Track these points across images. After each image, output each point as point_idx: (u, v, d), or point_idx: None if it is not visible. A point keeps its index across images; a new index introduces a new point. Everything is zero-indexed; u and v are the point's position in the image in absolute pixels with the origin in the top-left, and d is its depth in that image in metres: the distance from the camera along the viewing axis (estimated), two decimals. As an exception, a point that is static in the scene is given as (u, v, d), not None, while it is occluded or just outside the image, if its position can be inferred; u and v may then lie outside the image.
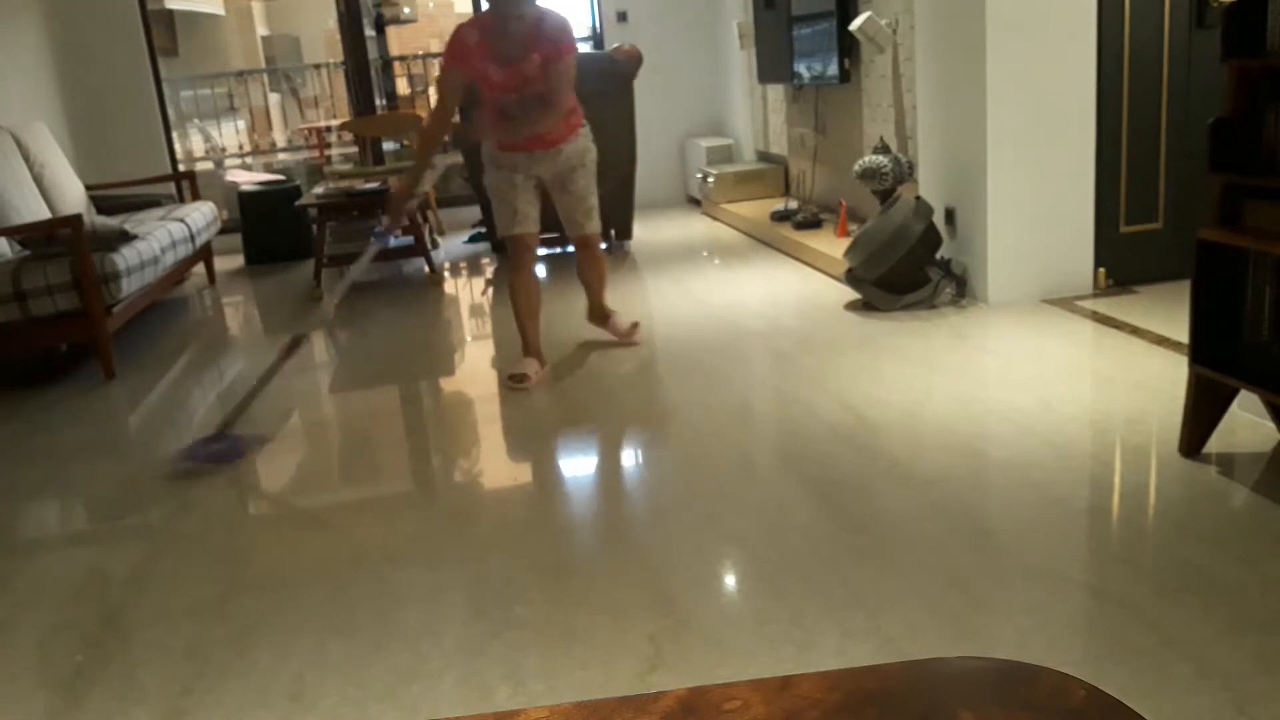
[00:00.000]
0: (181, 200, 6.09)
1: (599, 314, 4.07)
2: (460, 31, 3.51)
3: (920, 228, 4.08)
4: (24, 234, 4.31)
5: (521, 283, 3.76)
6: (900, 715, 0.82)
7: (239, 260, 6.60)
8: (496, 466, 3.17)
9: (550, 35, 3.41)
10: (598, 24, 7.27)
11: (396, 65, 9.62)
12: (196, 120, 10.31)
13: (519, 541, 2.55)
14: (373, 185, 5.64)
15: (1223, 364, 2.49)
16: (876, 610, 2.05)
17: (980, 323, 3.92)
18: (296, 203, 6.03)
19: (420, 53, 11.51)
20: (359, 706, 1.90)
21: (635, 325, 4.09)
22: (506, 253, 3.81)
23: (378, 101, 7.64)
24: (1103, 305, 3.95)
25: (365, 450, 3.34)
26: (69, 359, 4.54)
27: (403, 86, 10.36)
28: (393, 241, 5.96)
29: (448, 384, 4.09)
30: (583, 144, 3.69)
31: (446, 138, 4.06)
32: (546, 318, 3.92)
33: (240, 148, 10.88)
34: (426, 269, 5.72)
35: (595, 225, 3.81)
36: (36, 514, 3.09)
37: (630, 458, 3.15)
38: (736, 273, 5.30)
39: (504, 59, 3.43)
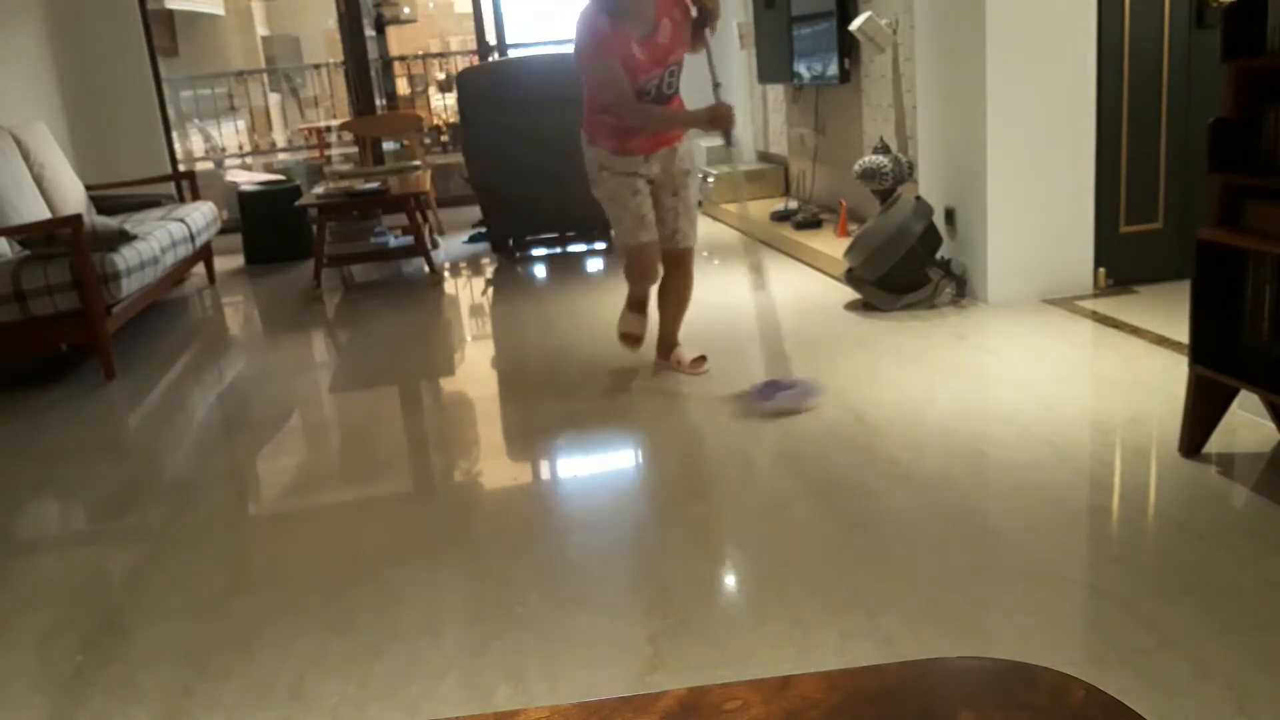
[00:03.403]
0: (181, 200, 6.09)
1: (668, 344, 3.70)
2: (590, 23, 3.15)
3: (920, 228, 4.08)
4: (24, 234, 4.31)
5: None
6: (900, 715, 0.82)
7: (239, 260, 6.60)
8: (496, 466, 3.17)
9: None
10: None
11: (396, 65, 9.63)
12: (196, 120, 10.31)
13: (519, 541, 2.55)
14: (373, 185, 5.64)
15: (1223, 364, 2.49)
16: (876, 610, 2.05)
17: (980, 323, 3.92)
18: (296, 203, 6.04)
19: (420, 53, 11.51)
20: (359, 706, 1.90)
21: (702, 358, 3.69)
22: (627, 265, 3.54)
23: (378, 101, 7.64)
24: (1103, 305, 3.95)
25: (365, 450, 3.34)
26: (69, 359, 4.54)
27: (403, 86, 10.37)
28: (393, 241, 6.00)
29: (448, 384, 4.09)
30: (690, 144, 3.47)
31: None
32: (550, 319, 3.91)
33: (240, 148, 10.89)
34: (426, 269, 5.72)
35: (696, 235, 3.55)
36: (36, 514, 3.09)
37: (630, 457, 3.15)
38: (737, 273, 5.29)
39: (640, 35, 3.13)
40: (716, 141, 7.19)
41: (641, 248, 3.41)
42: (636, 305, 3.62)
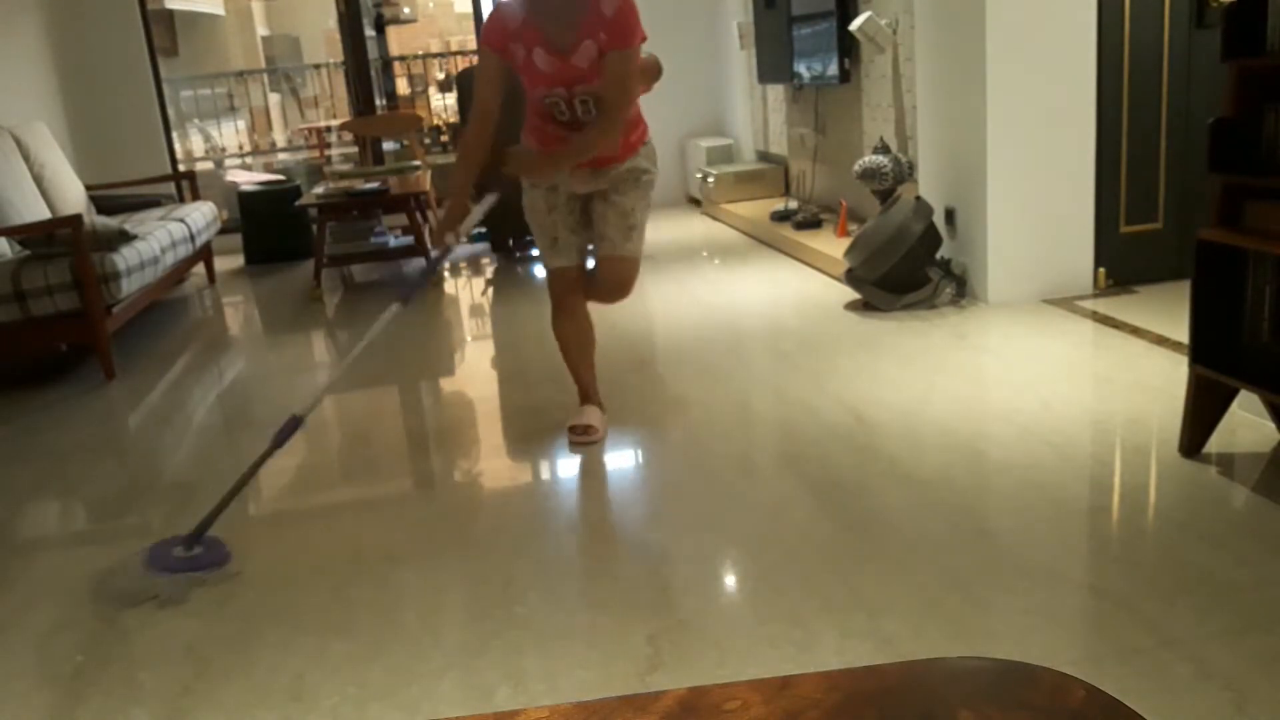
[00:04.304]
0: (181, 200, 6.10)
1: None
2: (500, 9, 2.86)
3: (920, 228, 4.08)
4: (24, 234, 4.31)
5: (569, 326, 3.14)
6: (900, 715, 0.82)
7: (239, 260, 6.60)
8: (496, 466, 3.17)
9: (611, 16, 2.72)
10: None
11: (396, 65, 9.62)
12: (196, 120, 10.32)
13: (519, 541, 2.55)
14: (372, 185, 5.64)
15: (1223, 364, 2.49)
16: (876, 610, 2.05)
17: (980, 323, 3.92)
18: (296, 203, 6.04)
19: (420, 53, 11.51)
20: (359, 706, 1.90)
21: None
22: (547, 285, 3.19)
23: (378, 101, 7.63)
24: (1103, 305, 3.95)
25: (365, 450, 3.34)
26: (69, 359, 4.54)
27: (403, 86, 10.37)
28: (393, 241, 6.00)
29: (448, 384, 4.09)
30: (640, 164, 3.03)
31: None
32: (550, 319, 3.89)
33: (240, 148, 10.88)
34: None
35: (633, 248, 3.06)
36: (36, 514, 3.09)
37: (630, 457, 3.15)
38: (736, 273, 5.30)
39: (553, 46, 2.78)
40: (717, 142, 7.19)
41: (555, 273, 3.10)
42: (583, 395, 3.24)
